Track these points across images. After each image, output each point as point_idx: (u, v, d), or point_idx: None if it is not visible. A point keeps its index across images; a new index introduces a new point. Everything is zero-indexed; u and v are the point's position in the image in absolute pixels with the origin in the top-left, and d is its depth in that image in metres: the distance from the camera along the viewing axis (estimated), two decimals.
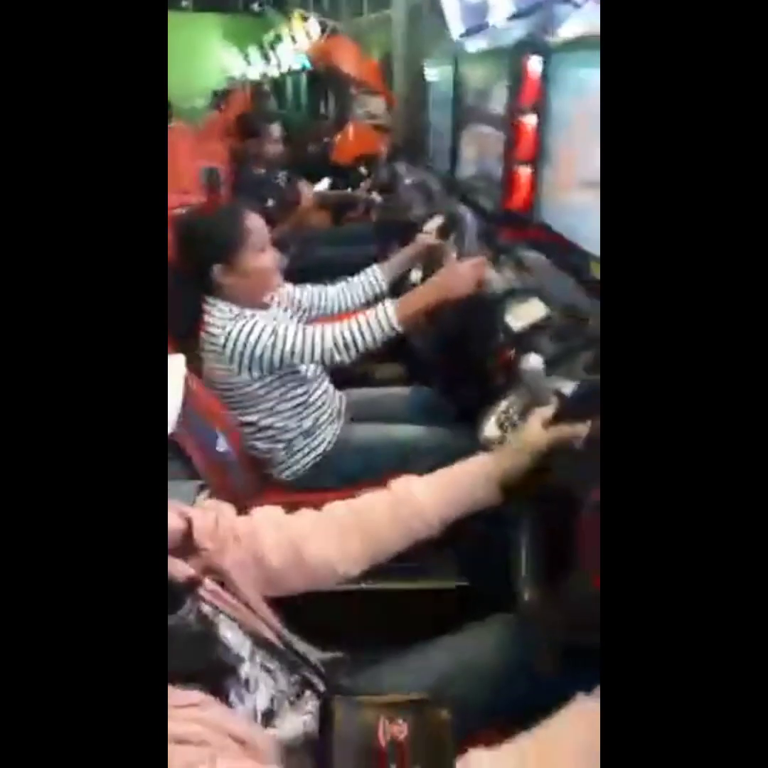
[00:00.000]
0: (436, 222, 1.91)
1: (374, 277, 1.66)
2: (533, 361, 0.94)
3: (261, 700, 0.62)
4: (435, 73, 2.89)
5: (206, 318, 1.34)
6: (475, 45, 2.20)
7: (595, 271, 1.34)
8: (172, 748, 0.44)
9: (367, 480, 1.42)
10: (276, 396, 1.41)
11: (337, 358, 1.35)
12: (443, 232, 1.73)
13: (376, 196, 2.60)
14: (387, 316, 1.34)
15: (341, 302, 1.65)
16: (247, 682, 0.61)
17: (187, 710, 0.48)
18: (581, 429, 0.77)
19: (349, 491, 1.45)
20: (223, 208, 1.45)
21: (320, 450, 1.49)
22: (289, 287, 1.58)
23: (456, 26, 2.53)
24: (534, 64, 1.64)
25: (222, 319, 1.32)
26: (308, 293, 1.62)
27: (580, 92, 1.45)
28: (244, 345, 1.30)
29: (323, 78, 4.87)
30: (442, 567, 1.43)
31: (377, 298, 1.63)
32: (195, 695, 0.51)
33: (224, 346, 1.31)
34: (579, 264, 1.39)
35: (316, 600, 1.37)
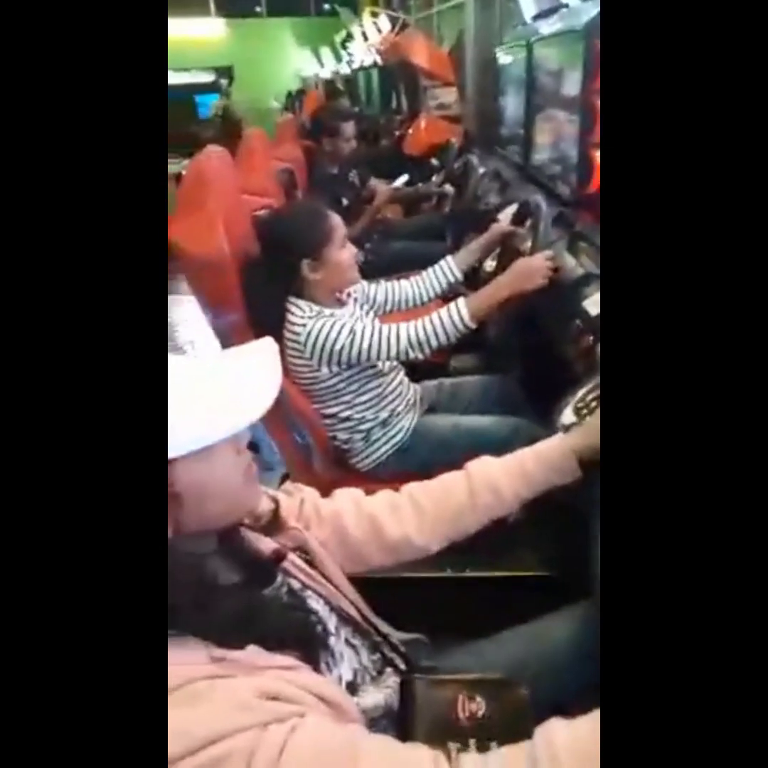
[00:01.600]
0: (510, 210, 1.89)
1: (448, 267, 1.66)
2: None
3: (346, 672, 0.66)
4: (508, 58, 2.85)
5: (288, 316, 1.40)
6: (548, 27, 2.16)
7: None
8: (261, 703, 0.47)
9: (443, 469, 1.45)
10: (354, 389, 1.45)
11: (412, 355, 1.40)
12: (517, 220, 1.72)
13: (448, 188, 2.59)
14: (459, 314, 1.38)
15: (416, 296, 1.67)
16: (333, 653, 0.65)
17: (281, 672, 0.52)
18: None
19: (425, 478, 1.50)
20: (304, 206, 1.50)
21: (397, 440, 1.52)
22: (363, 284, 1.62)
23: (529, 8, 2.49)
24: None
25: (303, 318, 1.37)
26: (383, 289, 1.65)
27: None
28: (324, 343, 1.35)
29: (394, 72, 4.87)
30: (523, 556, 1.43)
31: (452, 288, 1.64)
32: (288, 659, 0.54)
33: (305, 343, 1.36)
34: None
35: (400, 585, 1.41)
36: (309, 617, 0.65)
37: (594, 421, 0.86)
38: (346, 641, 0.70)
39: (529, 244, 1.42)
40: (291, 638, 0.57)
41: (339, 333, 1.35)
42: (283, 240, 1.40)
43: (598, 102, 1.68)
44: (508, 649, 0.86)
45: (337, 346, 1.36)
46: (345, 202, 2.74)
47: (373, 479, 1.54)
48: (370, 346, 1.36)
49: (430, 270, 1.68)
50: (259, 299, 1.36)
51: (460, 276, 1.66)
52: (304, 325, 1.36)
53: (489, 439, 1.46)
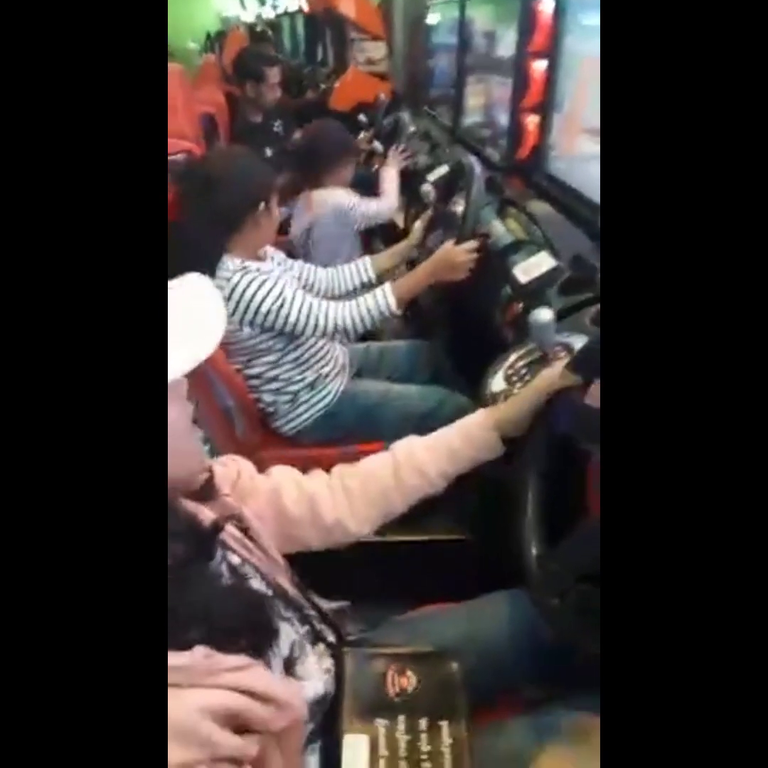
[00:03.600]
0: (440, 172, 1.86)
1: (364, 268, 1.65)
2: (543, 315, 0.93)
3: (284, 648, 0.63)
4: (438, 16, 2.79)
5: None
6: None
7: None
8: (210, 731, 0.43)
9: (367, 436, 1.46)
10: (280, 348, 1.40)
11: (338, 338, 1.41)
12: (448, 181, 1.69)
13: (377, 145, 2.53)
14: (386, 302, 1.39)
15: (328, 287, 1.64)
16: (276, 633, 0.62)
17: (231, 676, 0.47)
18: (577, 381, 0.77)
19: (348, 447, 1.49)
20: (244, 155, 1.40)
21: (325, 403, 1.49)
22: (282, 255, 1.57)
23: None
24: (545, 6, 1.58)
25: (227, 271, 1.30)
26: (298, 266, 1.60)
27: (592, 36, 1.40)
28: (250, 301, 1.29)
29: (321, 21, 4.69)
30: (446, 522, 1.45)
31: (365, 287, 1.62)
32: (240, 659, 0.49)
33: (229, 298, 1.29)
34: (588, 215, 1.37)
35: (318, 554, 1.40)
36: (255, 598, 0.62)
37: (520, 393, 0.86)
38: (280, 616, 0.67)
39: (450, 243, 1.41)
40: (242, 626, 0.54)
41: (267, 294, 1.29)
42: (226, 189, 1.28)
43: (533, 65, 1.67)
44: (441, 628, 0.85)
45: (263, 309, 1.30)
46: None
47: (297, 445, 1.52)
48: (297, 320, 1.32)
49: (346, 267, 1.67)
50: (186, 250, 1.27)
51: (374, 278, 1.66)
52: (228, 280, 1.29)
53: (415, 410, 1.47)
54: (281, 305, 1.30)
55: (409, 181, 2.19)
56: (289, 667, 0.64)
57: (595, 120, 1.40)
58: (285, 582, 0.72)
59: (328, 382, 1.50)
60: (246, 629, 0.54)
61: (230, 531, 0.66)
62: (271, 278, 1.32)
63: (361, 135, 2.98)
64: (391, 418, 1.47)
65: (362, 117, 3.45)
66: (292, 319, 1.32)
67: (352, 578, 1.00)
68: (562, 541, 0.75)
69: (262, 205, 1.31)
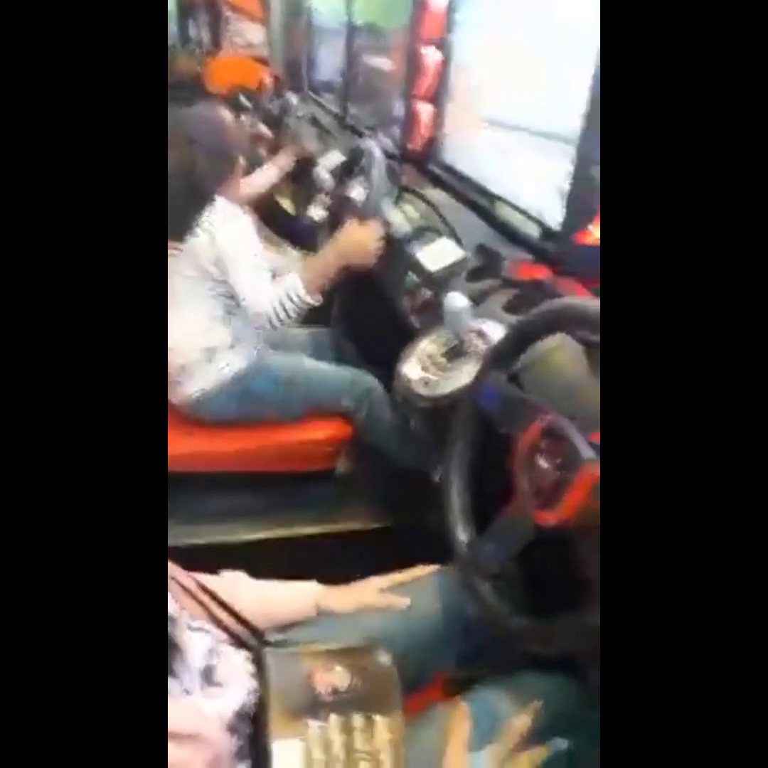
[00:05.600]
0: (333, 158, 1.83)
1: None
2: (458, 301, 0.93)
3: (197, 660, 0.59)
4: (322, 1, 2.73)
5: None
6: None
7: (500, 210, 1.34)
8: None
9: (280, 411, 1.44)
10: (222, 293, 1.37)
11: (267, 327, 1.38)
12: (345, 168, 1.66)
13: (264, 129, 2.45)
14: (297, 295, 1.35)
15: None
16: (179, 647, 0.57)
17: None
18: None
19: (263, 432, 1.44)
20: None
21: (239, 366, 1.43)
22: None
23: None
24: None
25: (222, 206, 1.32)
26: None
27: (485, 26, 1.42)
28: (231, 237, 1.31)
29: (193, 2, 4.47)
30: (354, 510, 1.44)
31: None
32: None
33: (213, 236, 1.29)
34: (484, 204, 1.39)
35: (229, 550, 1.34)
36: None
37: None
38: (188, 627, 0.62)
39: (353, 222, 1.38)
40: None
41: (246, 239, 1.32)
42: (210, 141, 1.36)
43: (425, 53, 1.67)
44: (368, 617, 0.83)
45: (235, 249, 1.30)
46: None
47: (212, 427, 1.45)
48: (245, 280, 1.32)
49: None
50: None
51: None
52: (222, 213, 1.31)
53: (329, 384, 1.48)
54: (257, 274, 1.32)
55: (299, 166, 2.14)
56: (208, 675, 0.60)
57: (488, 111, 1.42)
58: (191, 586, 0.68)
59: (245, 346, 1.45)
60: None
61: None
62: (250, 228, 1.35)
63: (243, 117, 2.88)
64: (305, 392, 1.46)
65: (243, 99, 3.33)
66: (242, 278, 1.31)
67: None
68: (491, 526, 0.76)
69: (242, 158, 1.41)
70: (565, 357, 0.83)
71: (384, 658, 0.70)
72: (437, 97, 1.64)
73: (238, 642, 0.69)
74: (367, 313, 1.68)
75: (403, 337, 1.24)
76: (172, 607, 0.60)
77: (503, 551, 0.73)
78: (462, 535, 0.79)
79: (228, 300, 1.38)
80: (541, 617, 0.68)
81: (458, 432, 0.83)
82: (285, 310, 1.34)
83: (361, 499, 1.48)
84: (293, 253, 2.07)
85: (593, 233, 1.03)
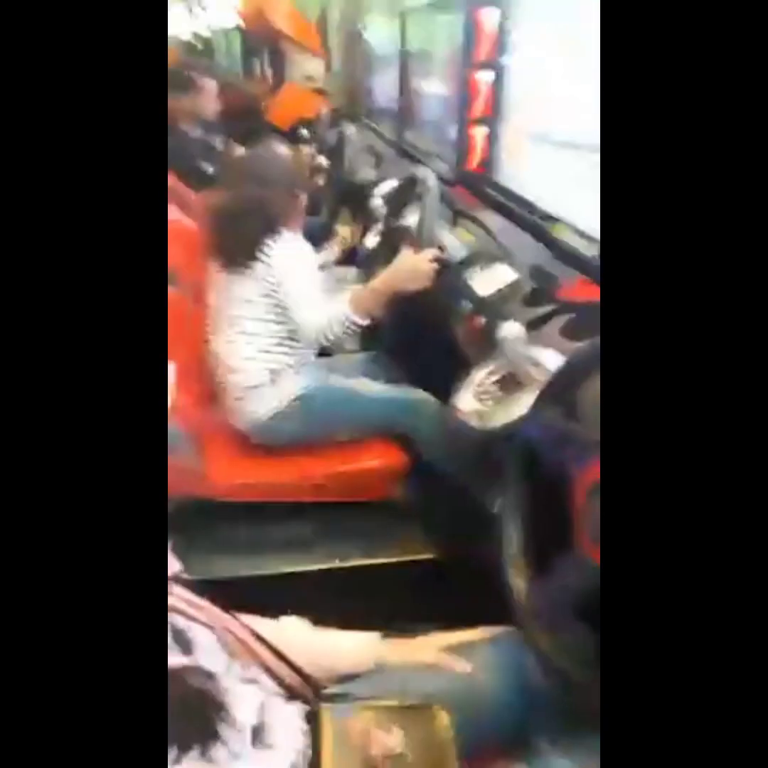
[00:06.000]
0: (389, 185, 1.83)
1: None
2: (513, 330, 0.89)
3: (248, 716, 0.56)
4: (376, 30, 2.77)
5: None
6: None
7: (557, 232, 1.29)
8: None
9: (345, 426, 1.46)
10: (281, 319, 1.40)
11: (314, 346, 1.44)
12: (399, 195, 1.65)
13: (323, 160, 2.48)
14: (346, 316, 1.34)
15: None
16: (226, 705, 0.54)
17: None
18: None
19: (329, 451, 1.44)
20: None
21: (302, 386, 1.44)
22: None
23: None
24: (488, 17, 1.56)
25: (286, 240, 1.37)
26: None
27: (538, 47, 1.39)
28: (291, 266, 1.35)
29: (257, 38, 4.63)
30: (413, 542, 1.40)
31: None
32: None
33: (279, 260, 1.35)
34: (541, 225, 1.35)
35: (283, 579, 1.33)
36: (191, 685, 0.54)
37: None
38: (240, 678, 0.60)
39: (409, 250, 1.36)
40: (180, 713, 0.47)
41: (304, 266, 1.36)
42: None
43: (477, 76, 1.65)
44: (425, 676, 0.76)
45: (293, 277, 1.34)
46: (210, 170, 2.55)
47: (275, 453, 1.45)
48: (298, 302, 1.35)
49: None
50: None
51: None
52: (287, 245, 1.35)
53: (392, 401, 1.48)
54: (303, 280, 1.36)
55: (356, 195, 2.15)
56: (258, 734, 0.57)
57: (544, 129, 1.38)
58: (242, 633, 0.65)
59: (307, 368, 1.47)
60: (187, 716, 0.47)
61: (176, 591, 0.58)
62: (311, 257, 1.41)
63: (305, 149, 2.94)
64: (366, 412, 1.47)
65: (304, 131, 3.40)
66: (294, 299, 1.35)
67: (318, 609, 0.94)
68: (551, 573, 0.71)
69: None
70: None
71: (443, 721, 0.66)
72: (491, 119, 1.61)
73: (293, 694, 0.66)
74: (420, 339, 1.65)
75: (455, 365, 1.21)
76: (222, 661, 0.58)
77: (567, 601, 0.68)
78: (520, 581, 0.74)
79: (290, 325, 1.40)
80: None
81: (513, 469, 0.79)
82: (334, 330, 1.34)
83: (415, 528, 1.44)
84: (351, 279, 2.06)
85: None
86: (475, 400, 0.95)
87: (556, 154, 1.32)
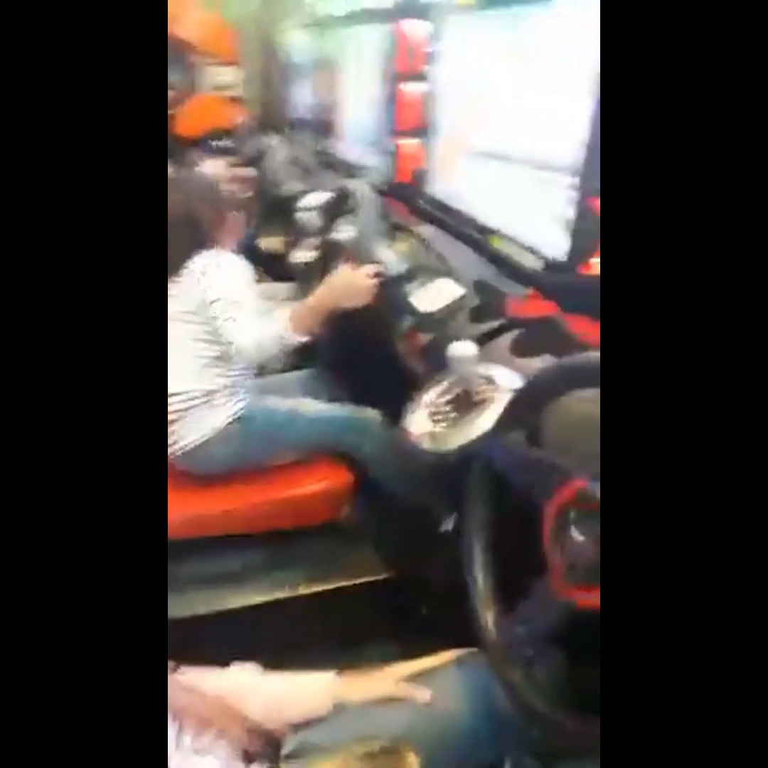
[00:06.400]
0: (317, 197, 1.78)
1: None
2: (465, 348, 0.86)
3: None
4: (295, 38, 2.73)
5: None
6: (343, 7, 2.08)
7: (496, 244, 1.29)
8: None
9: (283, 448, 1.39)
10: (204, 338, 1.33)
11: (250, 365, 1.38)
12: (333, 209, 1.61)
13: (250, 171, 2.40)
14: (281, 334, 1.29)
15: None
16: None
17: None
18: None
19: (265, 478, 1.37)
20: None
21: (239, 408, 1.37)
22: None
23: None
24: (416, 28, 1.55)
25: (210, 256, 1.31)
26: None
27: (469, 56, 1.38)
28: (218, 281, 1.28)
29: None
30: (367, 563, 1.36)
31: None
32: None
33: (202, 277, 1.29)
34: (478, 238, 1.34)
35: (232, 618, 1.25)
36: None
37: None
38: (194, 751, 0.55)
39: (347, 266, 1.32)
40: None
41: (230, 281, 1.29)
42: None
43: (401, 89, 1.64)
44: (388, 713, 0.73)
45: (216, 297, 1.27)
46: None
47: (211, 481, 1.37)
48: (230, 328, 1.27)
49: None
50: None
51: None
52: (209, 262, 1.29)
53: (330, 419, 1.43)
54: (232, 297, 1.28)
55: (281, 207, 2.09)
56: None
57: (479, 141, 1.37)
58: (193, 700, 0.60)
59: (243, 389, 1.39)
60: None
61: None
62: (244, 273, 1.33)
63: (221, 161, 2.85)
64: (306, 431, 1.41)
65: (217, 143, 3.30)
66: (224, 317, 1.27)
67: (272, 642, 0.88)
68: (521, 605, 0.68)
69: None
70: (592, 408, 0.75)
71: (410, 761, 0.62)
72: (422, 131, 1.60)
73: (251, 757, 0.61)
74: (360, 355, 1.62)
75: (400, 382, 1.18)
76: (171, 735, 0.52)
77: (537, 634, 0.65)
78: (487, 614, 0.71)
79: (222, 344, 1.33)
80: (584, 711, 0.60)
81: (477, 493, 0.76)
82: (269, 348, 1.28)
83: (364, 550, 1.40)
84: (283, 294, 2.00)
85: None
86: (428, 422, 0.91)
87: (493, 166, 1.31)
